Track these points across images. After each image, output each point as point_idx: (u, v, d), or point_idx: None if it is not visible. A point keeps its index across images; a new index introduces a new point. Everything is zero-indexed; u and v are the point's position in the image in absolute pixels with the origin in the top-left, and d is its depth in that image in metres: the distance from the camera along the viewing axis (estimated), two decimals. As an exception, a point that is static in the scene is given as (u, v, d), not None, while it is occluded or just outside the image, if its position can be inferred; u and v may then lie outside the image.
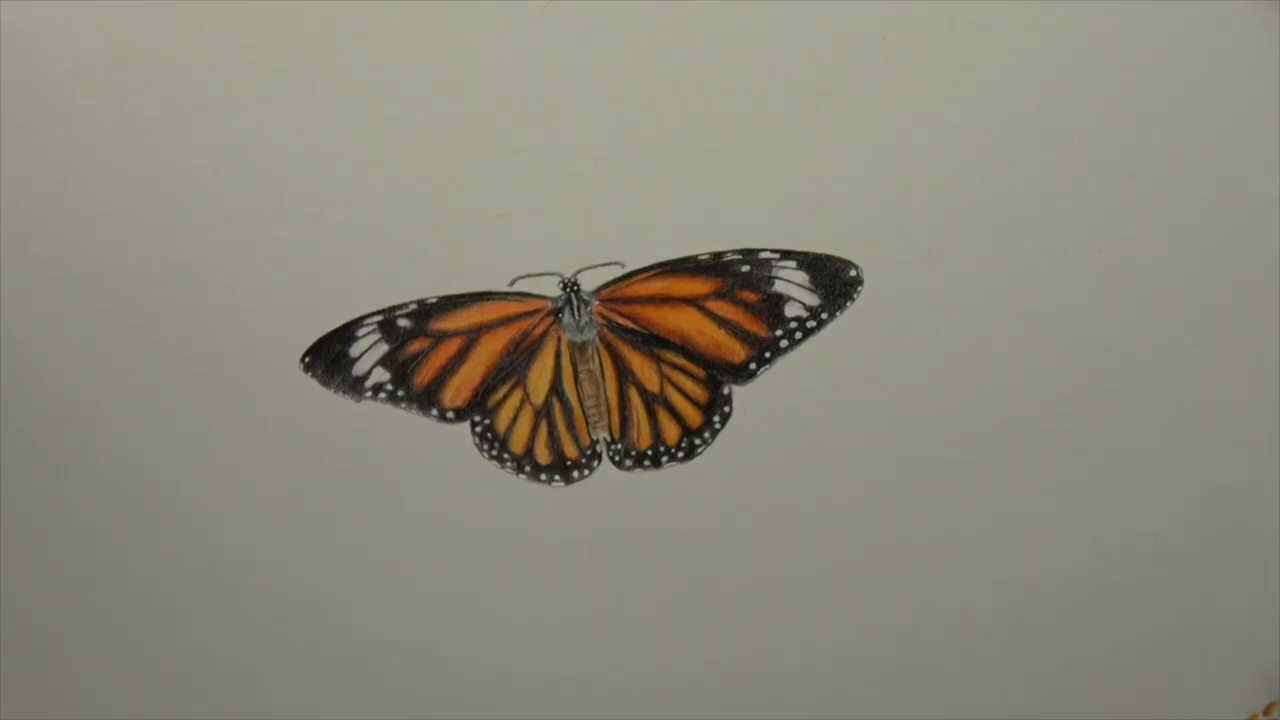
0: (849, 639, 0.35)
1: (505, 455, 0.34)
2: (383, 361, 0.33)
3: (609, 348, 0.34)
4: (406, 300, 0.33)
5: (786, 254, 0.32)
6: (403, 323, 0.33)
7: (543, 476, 0.34)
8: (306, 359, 0.33)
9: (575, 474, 0.34)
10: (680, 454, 0.34)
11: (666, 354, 0.34)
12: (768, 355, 0.33)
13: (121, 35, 0.31)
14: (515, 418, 0.34)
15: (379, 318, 0.33)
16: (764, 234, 0.33)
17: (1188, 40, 0.32)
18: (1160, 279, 0.35)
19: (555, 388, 0.34)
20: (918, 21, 0.31)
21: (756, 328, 0.33)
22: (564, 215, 0.33)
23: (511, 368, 0.34)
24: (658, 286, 0.33)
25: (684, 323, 0.33)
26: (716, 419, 0.34)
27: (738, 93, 0.32)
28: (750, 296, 0.33)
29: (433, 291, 0.33)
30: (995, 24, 0.32)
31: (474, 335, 0.33)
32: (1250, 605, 0.37)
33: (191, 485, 0.34)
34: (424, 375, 0.33)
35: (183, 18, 0.29)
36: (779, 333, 0.33)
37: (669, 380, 0.34)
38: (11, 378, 0.31)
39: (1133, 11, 0.31)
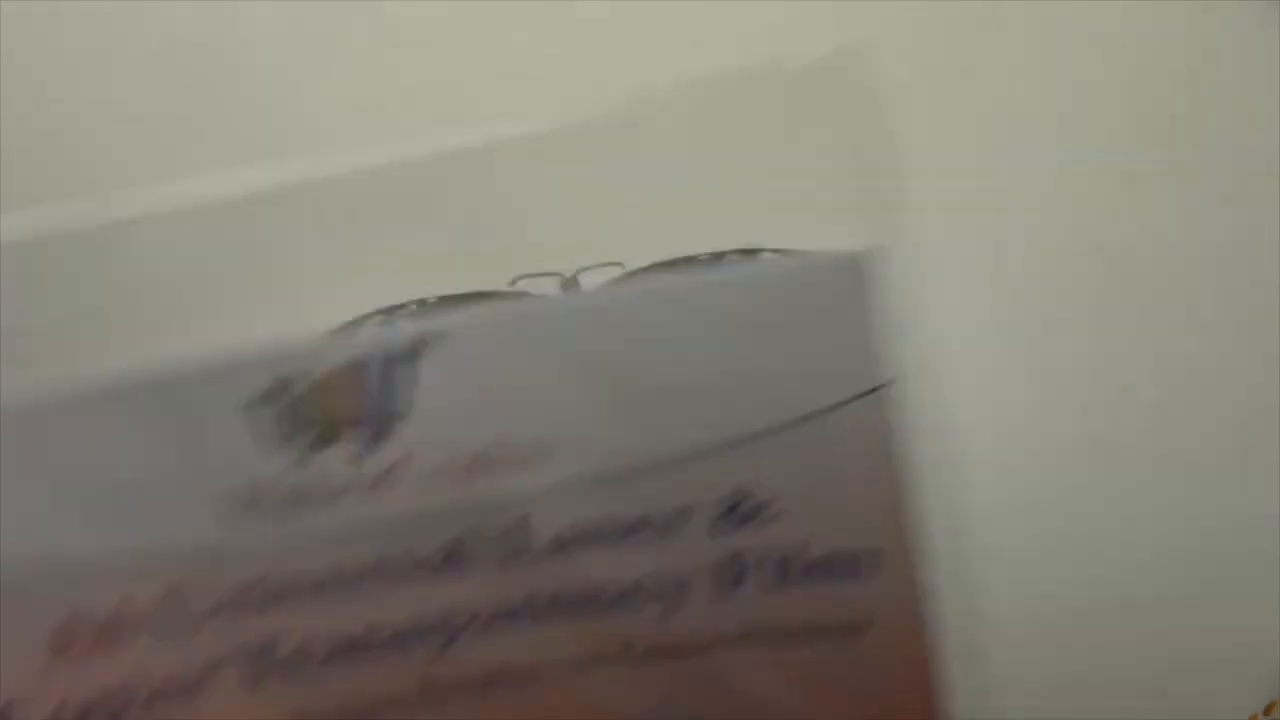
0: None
1: None
2: (383, 361, 0.33)
3: (609, 348, 0.34)
4: (406, 300, 0.33)
5: (788, 254, 0.32)
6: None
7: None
8: (307, 358, 0.33)
9: None
10: None
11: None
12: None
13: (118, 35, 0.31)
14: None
15: (378, 318, 0.33)
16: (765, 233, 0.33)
17: (1187, 40, 0.32)
18: (1159, 281, 0.35)
19: (555, 388, 0.34)
20: (917, 20, 0.31)
21: None
22: (564, 215, 0.33)
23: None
24: (658, 286, 0.33)
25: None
26: None
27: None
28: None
29: (433, 292, 0.33)
30: (992, 24, 0.32)
31: (474, 335, 0.33)
32: (1250, 605, 0.37)
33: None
34: (424, 375, 0.33)
35: (182, 18, 0.29)
36: (779, 332, 0.33)
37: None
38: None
39: (1131, 11, 0.31)
